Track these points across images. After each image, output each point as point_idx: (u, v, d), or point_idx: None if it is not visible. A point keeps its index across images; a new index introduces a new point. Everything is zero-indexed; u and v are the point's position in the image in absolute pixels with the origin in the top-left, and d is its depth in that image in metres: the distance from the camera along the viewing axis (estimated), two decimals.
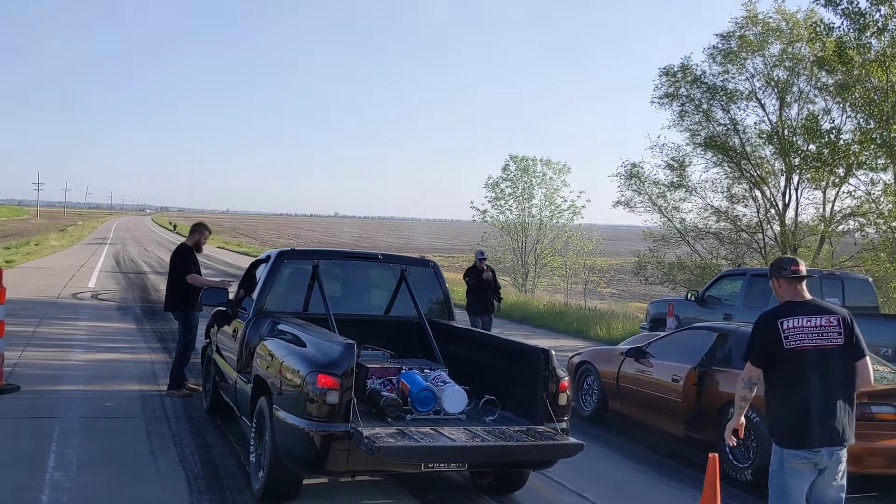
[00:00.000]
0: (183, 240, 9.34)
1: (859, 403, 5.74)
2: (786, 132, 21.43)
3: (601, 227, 40.66)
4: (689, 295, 12.66)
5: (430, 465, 4.95)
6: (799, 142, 20.45)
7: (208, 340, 8.40)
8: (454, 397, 5.35)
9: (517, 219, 35.63)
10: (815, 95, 21.91)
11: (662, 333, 9.18)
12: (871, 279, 12.46)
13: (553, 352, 5.46)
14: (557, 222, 35.59)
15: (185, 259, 8.82)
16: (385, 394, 5.32)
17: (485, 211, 36.02)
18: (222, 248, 56.47)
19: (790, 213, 22.32)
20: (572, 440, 5.06)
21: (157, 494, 5.46)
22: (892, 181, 17.88)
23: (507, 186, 35.70)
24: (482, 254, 12.48)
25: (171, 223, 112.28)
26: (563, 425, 5.38)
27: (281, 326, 6.07)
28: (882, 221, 18.20)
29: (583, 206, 35.33)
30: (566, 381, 5.47)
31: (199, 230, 9.13)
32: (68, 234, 64.74)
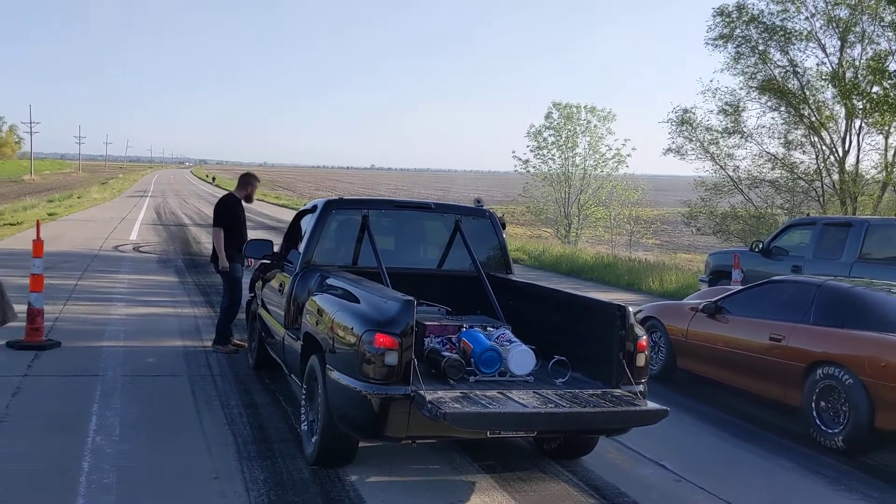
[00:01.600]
0: (228, 191, 8.83)
1: None
2: (848, 74, 20.31)
3: (644, 178, 39.65)
4: (754, 245, 11.98)
5: (496, 432, 4.53)
6: (863, 84, 19.35)
7: (252, 295, 8.05)
8: (521, 358, 4.88)
9: (560, 168, 34.81)
10: (879, 35, 20.71)
11: (736, 287, 8.58)
12: None
13: (630, 308, 4.95)
14: (602, 172, 34.70)
15: (223, 210, 8.35)
16: (446, 354, 4.87)
17: (527, 161, 35.31)
18: (261, 200, 56.53)
19: (850, 159, 21.32)
20: (654, 405, 4.57)
21: (203, 462, 5.10)
22: None
23: (549, 135, 34.88)
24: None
25: (209, 176, 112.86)
26: (641, 388, 4.89)
27: (331, 281, 5.65)
28: None
29: (628, 155, 34.43)
30: (644, 339, 4.96)
31: (249, 181, 8.56)
32: (109, 186, 65.33)
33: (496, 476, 5.17)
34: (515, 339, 5.06)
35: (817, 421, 6.32)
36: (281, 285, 6.54)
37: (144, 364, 7.62)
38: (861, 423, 5.95)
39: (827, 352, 6.37)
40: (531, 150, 35.10)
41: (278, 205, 53.09)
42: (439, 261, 6.64)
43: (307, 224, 6.59)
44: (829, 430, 6.20)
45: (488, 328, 5.24)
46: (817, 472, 5.69)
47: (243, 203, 8.51)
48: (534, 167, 35.08)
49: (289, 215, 39.43)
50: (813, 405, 6.36)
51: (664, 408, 4.52)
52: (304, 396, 5.41)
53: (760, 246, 11.85)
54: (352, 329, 4.64)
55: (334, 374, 4.75)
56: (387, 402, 4.41)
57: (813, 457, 6.03)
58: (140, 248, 19.14)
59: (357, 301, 4.96)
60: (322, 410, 4.93)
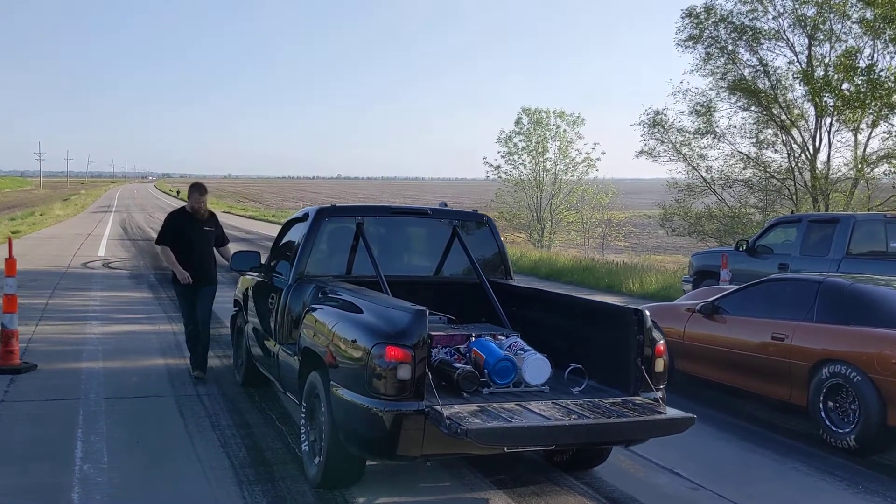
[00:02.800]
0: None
1: None
2: (818, 72, 20.46)
3: (618, 181, 39.81)
4: (739, 245, 11.91)
5: (515, 447, 4.30)
6: (834, 81, 19.48)
7: (237, 309, 7.74)
8: (536, 367, 4.66)
9: (531, 173, 34.75)
10: (846, 33, 20.90)
11: (732, 287, 8.46)
12: None
13: (648, 312, 4.75)
14: (572, 176, 34.70)
15: (164, 225, 7.65)
16: (458, 365, 4.63)
17: (498, 166, 35.20)
18: (228, 212, 55.87)
19: (822, 157, 21.47)
20: (680, 412, 4.37)
21: (201, 487, 4.81)
22: None
23: (520, 140, 34.81)
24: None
25: (173, 189, 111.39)
26: (661, 394, 4.70)
27: (329, 291, 5.38)
28: None
29: (597, 159, 34.47)
30: (662, 344, 4.77)
31: (190, 192, 7.62)
32: (72, 203, 64.08)
33: (509, 491, 4.95)
34: (529, 348, 4.84)
35: (826, 421, 6.19)
36: (272, 298, 6.25)
37: (127, 385, 7.28)
38: (872, 422, 5.84)
39: (833, 349, 6.25)
40: (502, 156, 35.07)
41: (246, 216, 52.50)
42: (437, 268, 6.41)
43: (298, 233, 6.31)
44: (839, 430, 6.07)
45: (499, 337, 5.02)
46: (833, 473, 5.55)
47: (197, 216, 7.60)
48: (505, 173, 35.00)
49: (258, 227, 39.02)
50: (821, 405, 6.24)
51: (691, 415, 4.33)
52: (303, 415, 5.14)
53: (746, 245, 11.77)
54: (359, 342, 4.39)
55: (340, 391, 4.49)
56: (399, 419, 4.16)
57: (825, 458, 5.89)
58: (110, 265, 18.63)
59: (361, 312, 4.70)
60: (326, 430, 4.67)
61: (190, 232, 7.54)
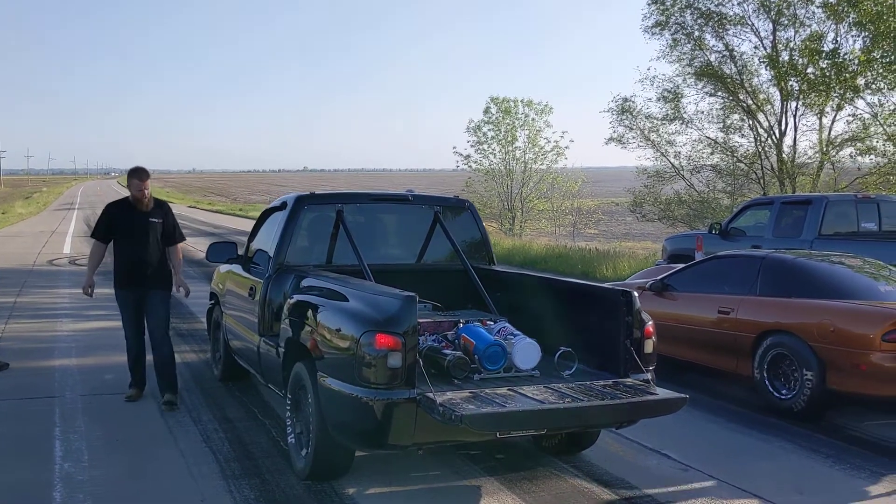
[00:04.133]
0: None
1: None
2: (783, 56, 20.65)
3: (587, 169, 40.00)
4: (713, 228, 11.99)
5: (507, 432, 4.26)
6: (799, 64, 19.68)
7: (213, 302, 7.60)
8: (526, 351, 4.61)
9: (501, 163, 34.75)
10: (810, 18, 21.11)
11: (680, 266, 8.70)
12: None
13: (636, 293, 4.73)
14: (542, 165, 34.77)
15: (100, 215, 6.62)
16: (448, 352, 4.57)
17: (468, 156, 35.12)
18: (195, 207, 55.28)
19: (788, 141, 21.71)
20: (672, 393, 4.36)
21: (186, 484, 4.70)
22: None
23: (489, 129, 34.74)
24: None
25: None
26: (650, 375, 4.69)
27: (311, 281, 5.28)
28: (891, 143, 17.62)
29: (566, 147, 34.55)
30: (651, 325, 4.76)
31: (129, 178, 6.48)
32: (34, 200, 62.91)
33: (501, 478, 4.91)
34: (518, 333, 4.79)
35: (770, 388, 6.52)
36: (251, 290, 6.13)
37: (102, 382, 7.12)
38: (813, 388, 6.16)
39: (776, 321, 6.57)
40: (471, 146, 34.99)
41: (213, 211, 51.94)
42: (419, 255, 6.34)
43: (276, 223, 6.19)
44: (783, 396, 6.41)
45: (487, 322, 4.96)
46: (818, 451, 5.58)
47: (140, 206, 6.45)
48: (475, 162, 34.95)
49: (226, 221, 38.57)
50: (765, 374, 6.56)
51: (684, 395, 4.32)
52: (289, 407, 5.05)
53: (719, 228, 11.84)
54: (347, 331, 4.31)
55: (328, 381, 4.41)
56: (391, 408, 4.10)
57: (810, 436, 5.93)
58: (76, 262, 18.26)
59: (346, 300, 4.61)
60: (314, 421, 4.59)
61: (130, 224, 6.39)
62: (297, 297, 5.15)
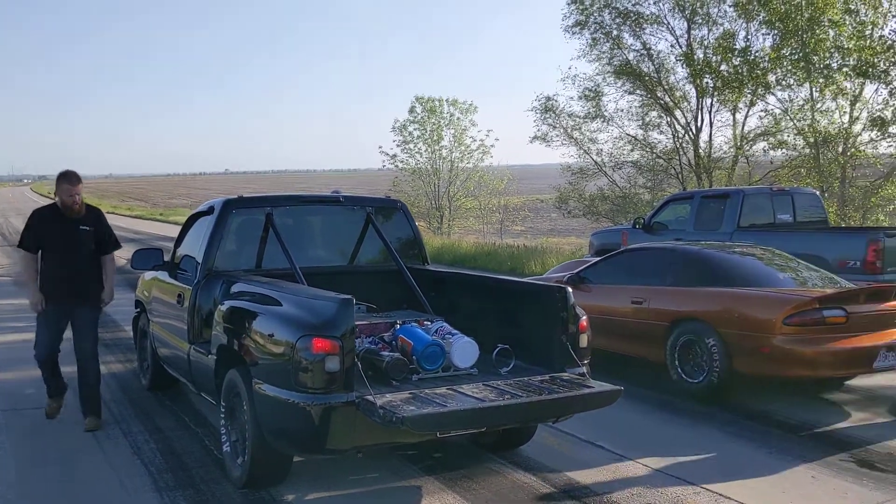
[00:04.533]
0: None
1: (811, 309, 6.26)
2: (698, 54, 21.26)
3: (515, 167, 40.39)
4: (636, 222, 12.26)
5: (447, 432, 4.27)
6: (713, 62, 20.30)
7: (139, 310, 7.39)
8: (465, 350, 4.64)
9: (428, 162, 34.80)
10: (722, 17, 21.78)
11: (594, 259, 9.16)
12: (818, 192, 12.36)
13: (570, 289, 4.80)
14: (468, 163, 34.97)
15: (27, 223, 6.04)
16: (386, 354, 4.55)
17: (394, 155, 35.04)
18: (113, 212, 53.63)
19: (704, 136, 22.37)
20: (609, 385, 4.45)
21: (119, 498, 4.57)
22: (811, 97, 17.97)
23: (415, 129, 34.75)
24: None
25: (52, 192, 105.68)
26: (586, 369, 4.77)
27: (242, 286, 5.19)
28: (801, 137, 18.32)
29: (492, 146, 34.82)
30: (585, 319, 4.84)
31: (58, 183, 5.95)
32: None
33: (440, 477, 4.93)
34: (455, 332, 4.81)
35: (681, 373, 6.89)
36: (179, 297, 5.98)
37: (24, 396, 6.85)
38: (720, 371, 6.53)
39: (685, 309, 6.93)
40: (397, 145, 34.94)
41: (132, 216, 50.51)
42: (352, 256, 6.30)
43: (204, 228, 6.05)
44: (692, 380, 6.78)
45: (424, 322, 4.97)
46: (743, 437, 5.78)
47: (70, 214, 5.94)
48: (402, 161, 34.91)
49: (146, 227, 37.58)
50: (676, 359, 6.93)
51: (619, 387, 4.41)
52: (223, 415, 4.95)
53: (643, 222, 12.13)
54: (282, 336, 4.26)
55: (263, 388, 4.35)
56: (329, 412, 4.07)
57: (737, 422, 6.14)
58: None
59: (280, 304, 4.55)
60: (250, 428, 4.51)
61: (59, 233, 5.90)
62: (228, 303, 5.05)
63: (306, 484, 4.75)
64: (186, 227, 6.67)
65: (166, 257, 6.67)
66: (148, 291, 7.03)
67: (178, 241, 6.69)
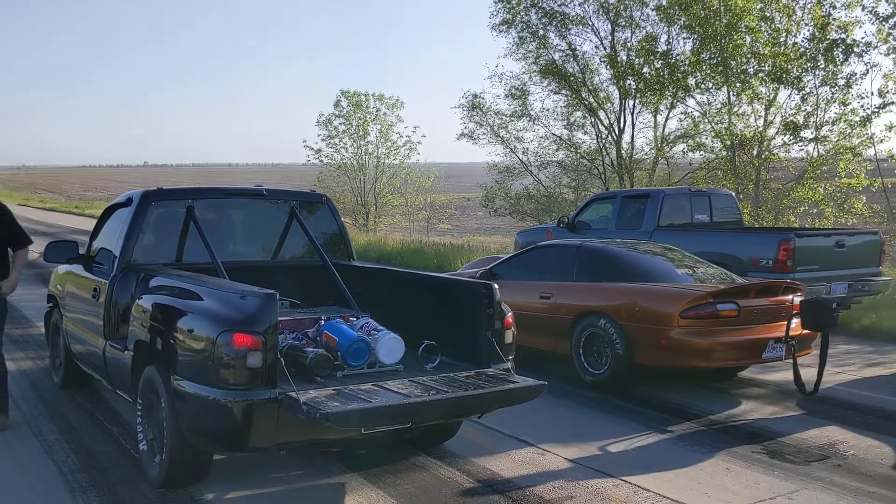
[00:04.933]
0: None
1: (706, 303, 6.54)
2: (621, 56, 21.69)
3: (441, 165, 40.47)
4: (560, 221, 12.43)
5: (372, 428, 4.24)
6: (636, 64, 20.73)
7: (52, 305, 7.12)
8: (390, 346, 4.61)
9: (354, 157, 34.54)
10: (644, 20, 22.25)
11: (505, 256, 9.54)
12: (733, 194, 12.75)
13: (496, 285, 4.83)
14: (394, 160, 34.86)
15: None
16: (310, 350, 4.50)
17: (319, 150, 34.65)
18: (25, 205, 51.63)
19: (626, 137, 22.82)
20: (532, 380, 4.49)
21: (30, 500, 4.40)
22: (728, 101, 18.52)
23: (340, 123, 34.43)
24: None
25: None
26: (510, 365, 4.81)
27: (160, 280, 5.06)
28: (718, 140, 18.86)
29: (418, 142, 34.79)
30: (510, 316, 4.88)
31: None
32: None
33: (365, 473, 4.90)
34: (381, 328, 4.78)
35: (585, 364, 7.17)
36: (95, 291, 5.78)
37: None
38: (622, 362, 6.83)
39: (590, 304, 7.24)
40: (323, 140, 34.54)
41: (45, 209, 48.67)
42: (275, 251, 6.20)
43: (121, 220, 5.87)
44: (596, 371, 7.07)
45: (350, 318, 4.92)
46: (662, 430, 5.91)
47: None
48: (327, 157, 34.55)
49: (60, 219, 36.25)
50: (581, 351, 7.21)
51: (542, 382, 4.46)
52: (139, 413, 4.81)
53: (566, 221, 12.30)
54: (202, 331, 4.16)
55: (183, 385, 4.24)
56: (251, 409, 3.99)
57: (654, 415, 6.29)
58: None
59: (201, 299, 4.45)
60: (168, 426, 4.40)
61: None
62: (146, 298, 4.91)
63: (227, 483, 4.66)
64: (103, 219, 6.45)
65: (81, 250, 6.46)
66: (61, 286, 6.78)
67: (94, 233, 6.48)
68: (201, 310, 4.32)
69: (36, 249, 6.90)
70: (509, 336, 4.83)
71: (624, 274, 7.29)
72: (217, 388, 4.03)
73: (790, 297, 6.93)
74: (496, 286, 4.80)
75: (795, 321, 6.76)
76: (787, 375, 7.55)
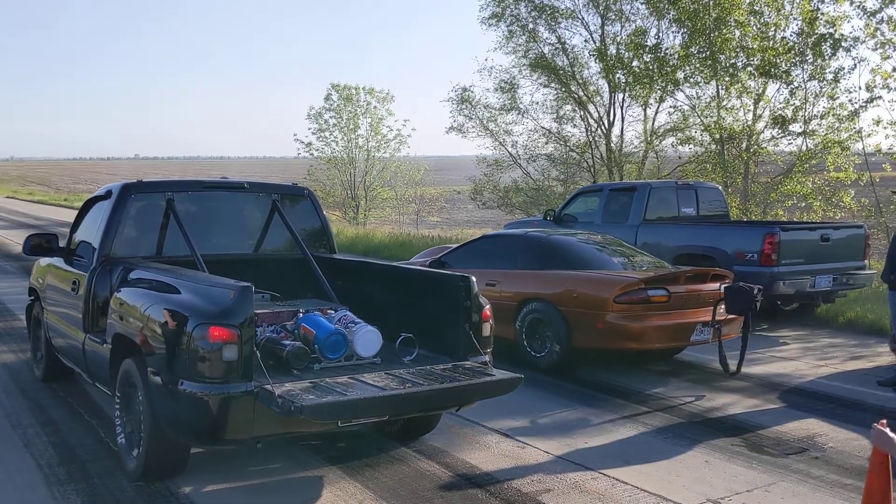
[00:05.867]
0: None
1: (638, 289, 6.93)
2: (611, 50, 21.67)
3: (432, 158, 40.42)
4: (547, 215, 12.42)
5: (349, 421, 4.25)
6: (625, 58, 20.71)
7: (33, 298, 7.09)
8: (367, 339, 4.61)
9: (344, 150, 34.48)
10: (634, 14, 22.23)
11: (455, 245, 9.81)
12: (720, 187, 12.76)
13: (474, 278, 4.83)
14: (384, 153, 34.81)
15: None
16: (287, 343, 4.49)
17: (309, 144, 34.58)
18: (13, 197, 51.41)
19: (616, 131, 22.82)
20: (508, 373, 4.50)
21: (7, 494, 4.38)
22: (717, 95, 18.53)
23: (331, 117, 34.37)
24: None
25: None
26: (488, 358, 4.81)
27: (139, 273, 5.04)
28: (707, 133, 18.87)
29: (408, 136, 34.76)
30: (488, 309, 4.88)
31: None
32: None
33: (343, 466, 4.90)
34: (359, 321, 4.77)
35: (528, 349, 7.49)
36: (74, 284, 5.76)
37: None
38: (562, 346, 7.20)
39: (532, 291, 7.55)
40: (313, 133, 34.48)
41: (33, 201, 48.41)
42: (256, 244, 6.18)
43: (101, 212, 5.84)
44: (538, 355, 7.39)
45: (328, 311, 4.91)
46: (638, 421, 5.93)
47: None
48: (317, 150, 34.48)
49: (48, 212, 36.06)
50: (524, 336, 7.52)
51: (519, 375, 4.47)
52: (118, 406, 4.80)
53: (553, 214, 12.29)
54: (178, 324, 4.14)
55: (159, 378, 4.22)
56: (227, 402, 3.99)
57: (632, 407, 6.30)
58: None
59: (178, 292, 4.43)
60: (146, 419, 4.39)
61: None
62: (124, 291, 4.90)
63: (204, 476, 4.65)
64: (83, 211, 6.42)
65: (62, 243, 6.42)
66: (42, 278, 6.75)
67: (75, 226, 6.45)
68: (178, 303, 4.31)
69: (19, 241, 6.86)
70: (487, 329, 4.83)
71: (564, 262, 7.67)
72: (193, 381, 4.03)
73: (717, 284, 7.32)
74: (474, 279, 4.80)
75: (721, 306, 7.12)
76: (769, 369, 7.61)
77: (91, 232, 5.90)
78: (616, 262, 7.77)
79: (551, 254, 7.86)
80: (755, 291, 6.98)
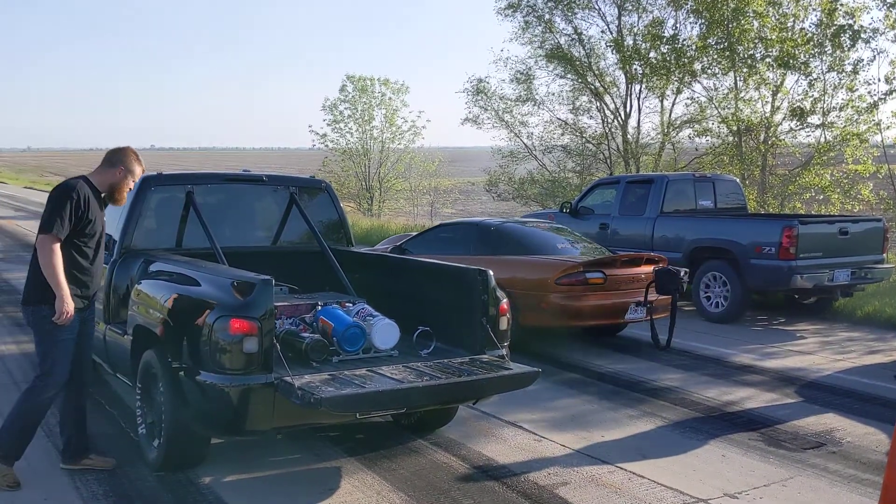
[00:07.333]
0: (82, 176, 4.78)
1: (577, 272, 7.57)
2: (627, 41, 21.56)
3: (446, 149, 40.36)
4: (563, 207, 12.40)
5: (367, 413, 4.28)
6: (642, 49, 20.61)
7: None
8: (385, 332, 4.64)
9: (358, 142, 34.45)
10: (651, 4, 22.09)
11: (415, 233, 10.37)
12: (738, 180, 12.68)
13: (491, 272, 4.85)
14: (399, 144, 34.76)
15: (62, 200, 4.51)
16: (306, 335, 4.52)
17: (324, 135, 34.55)
18: (30, 188, 51.78)
19: (632, 122, 22.72)
20: (525, 367, 4.51)
21: (29, 480, 4.44)
22: (734, 87, 18.41)
23: (345, 108, 34.32)
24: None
25: None
26: (505, 352, 4.83)
27: (160, 265, 5.09)
28: (725, 125, 18.76)
29: (423, 127, 34.65)
30: (505, 303, 4.90)
31: (127, 157, 4.68)
32: None
33: (361, 458, 4.93)
34: (377, 313, 4.80)
35: None
36: None
37: None
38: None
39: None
40: (328, 124, 34.44)
41: None
42: (274, 237, 6.22)
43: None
44: None
45: (346, 304, 4.95)
46: (655, 415, 5.94)
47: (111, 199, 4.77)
48: (332, 141, 34.44)
49: None
50: None
51: (536, 369, 4.48)
52: (139, 397, 4.85)
53: (569, 206, 12.26)
54: (199, 316, 4.18)
55: (180, 369, 4.27)
56: (248, 394, 4.03)
57: (651, 402, 6.30)
58: None
59: (199, 284, 4.48)
60: (166, 410, 4.44)
61: (98, 220, 4.64)
62: (145, 282, 4.95)
63: (225, 466, 4.69)
64: None
65: None
66: None
67: None
68: (199, 295, 4.35)
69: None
70: (504, 323, 4.85)
71: (513, 248, 8.29)
72: (214, 372, 4.07)
73: (650, 267, 7.97)
74: (491, 272, 4.81)
75: (652, 288, 7.73)
76: (787, 363, 7.59)
77: (111, 224, 5.92)
78: (560, 247, 8.46)
79: (502, 240, 8.46)
80: (682, 274, 7.70)
